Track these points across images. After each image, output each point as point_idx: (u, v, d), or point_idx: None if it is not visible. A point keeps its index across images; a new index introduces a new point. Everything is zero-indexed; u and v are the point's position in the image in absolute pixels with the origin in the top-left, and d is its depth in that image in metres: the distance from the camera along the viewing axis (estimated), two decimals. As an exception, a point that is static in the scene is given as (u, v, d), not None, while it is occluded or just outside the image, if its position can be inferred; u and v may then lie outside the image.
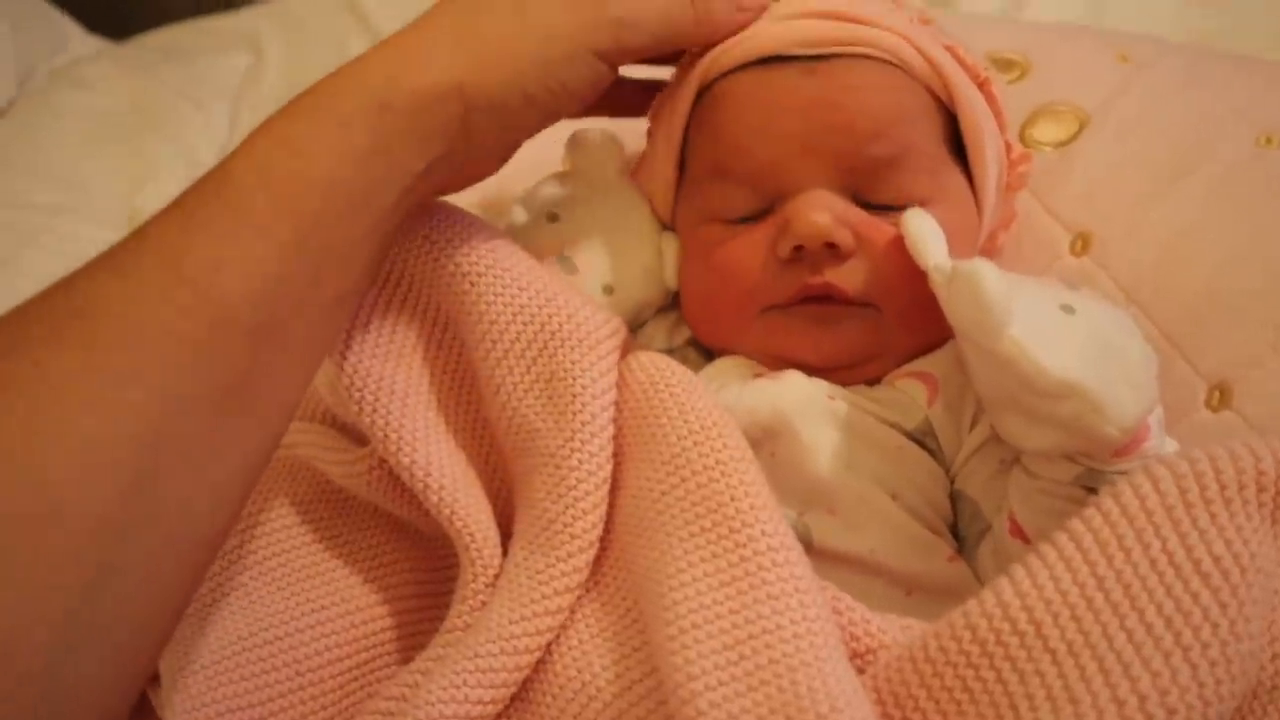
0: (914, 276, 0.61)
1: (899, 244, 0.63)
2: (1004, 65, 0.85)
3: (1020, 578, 0.46)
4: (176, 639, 0.63)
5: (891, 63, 0.66)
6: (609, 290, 0.75)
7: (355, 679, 0.63)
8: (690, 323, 0.74)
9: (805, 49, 0.66)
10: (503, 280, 0.63)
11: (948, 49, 0.69)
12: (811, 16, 0.67)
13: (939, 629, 0.47)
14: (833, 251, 0.63)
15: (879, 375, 0.67)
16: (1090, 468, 0.55)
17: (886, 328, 0.65)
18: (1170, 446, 0.58)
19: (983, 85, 0.70)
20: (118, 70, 1.72)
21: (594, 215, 0.77)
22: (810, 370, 0.66)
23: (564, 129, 0.73)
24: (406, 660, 0.64)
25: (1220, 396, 0.66)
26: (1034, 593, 0.45)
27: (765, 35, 0.67)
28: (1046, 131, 0.80)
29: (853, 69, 0.66)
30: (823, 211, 0.63)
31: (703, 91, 0.70)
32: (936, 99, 0.68)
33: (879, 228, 0.64)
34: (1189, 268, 0.69)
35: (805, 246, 0.63)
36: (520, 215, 0.78)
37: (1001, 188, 0.72)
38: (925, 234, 0.60)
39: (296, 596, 0.64)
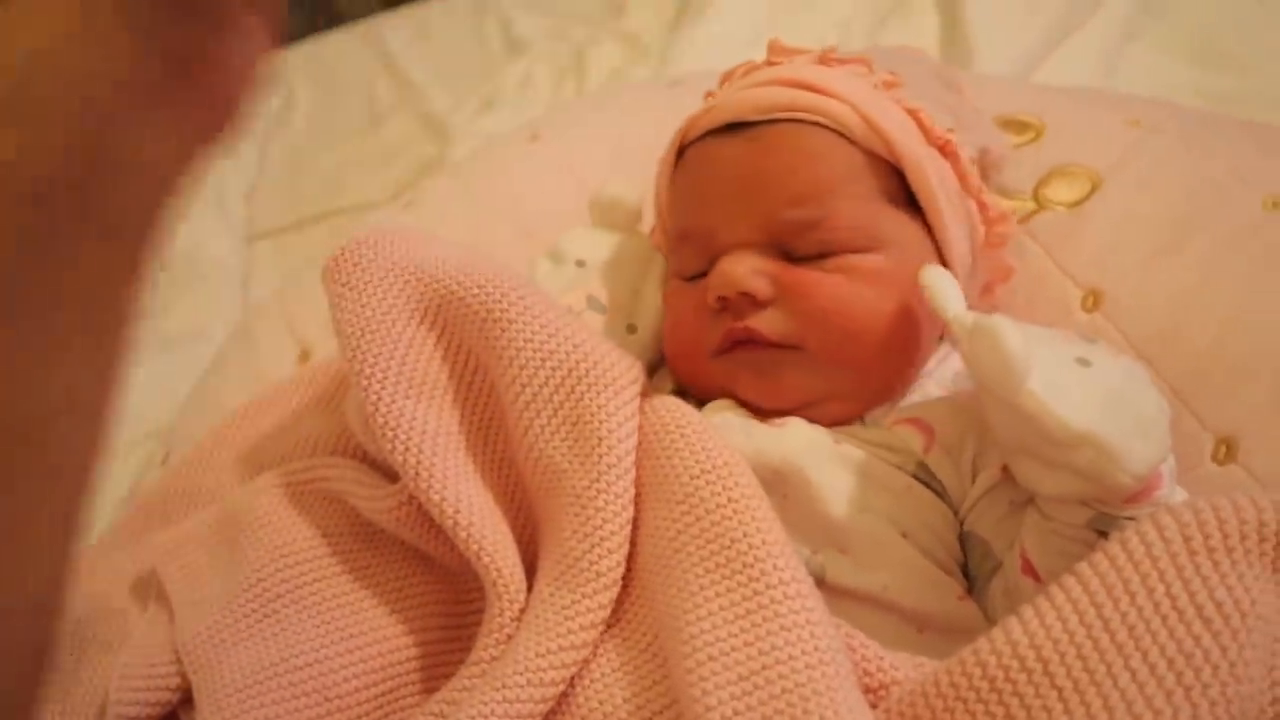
0: (834, 316, 0.67)
1: (820, 288, 0.68)
2: (1019, 127, 0.88)
3: (1029, 618, 0.48)
4: (210, 664, 0.65)
5: (830, 127, 0.71)
6: (632, 329, 0.80)
7: (380, 706, 0.65)
8: (670, 371, 0.80)
9: (755, 115, 0.72)
10: (532, 326, 0.65)
11: (910, 112, 0.73)
12: (773, 84, 0.73)
13: (950, 665, 0.49)
14: (751, 300, 0.69)
15: (851, 414, 0.70)
16: (1103, 512, 0.57)
17: (820, 366, 0.69)
18: (1180, 495, 0.59)
19: (943, 147, 0.74)
20: (152, 109, 1.77)
21: (617, 262, 0.83)
22: (766, 413, 0.70)
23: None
24: (430, 690, 0.66)
25: (1226, 450, 0.67)
26: (1042, 632, 0.47)
27: (724, 106, 0.74)
28: (1060, 191, 0.82)
29: (790, 135, 0.71)
30: (738, 265, 0.69)
31: (679, 156, 0.78)
32: (881, 158, 0.72)
33: (797, 274, 0.69)
34: (1197, 325, 0.71)
35: (727, 297, 0.69)
36: (547, 264, 0.82)
37: (978, 244, 0.75)
38: (943, 288, 0.63)
39: (326, 625, 0.66)
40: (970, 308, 0.74)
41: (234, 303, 1.39)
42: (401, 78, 1.79)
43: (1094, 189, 0.81)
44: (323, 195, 1.57)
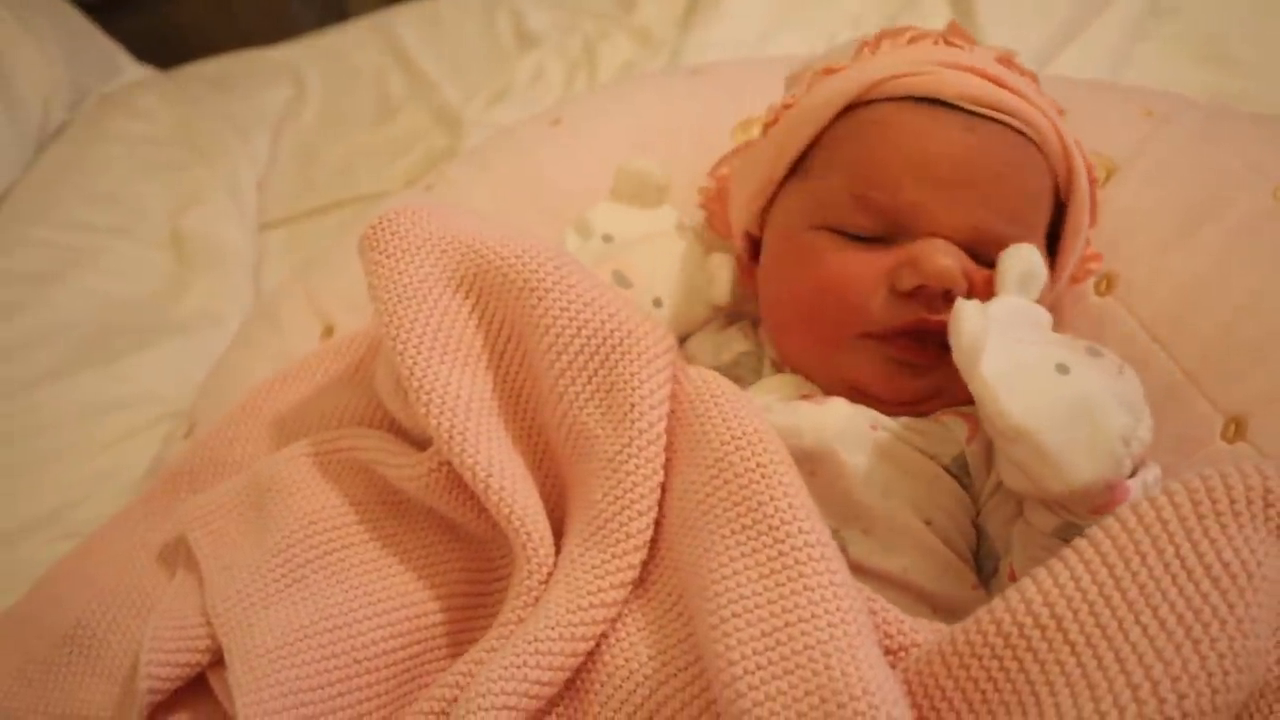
0: None
1: (989, 293, 0.66)
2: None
3: (1043, 577, 0.50)
4: (240, 627, 0.67)
5: (1035, 142, 0.71)
6: (658, 303, 0.81)
7: (408, 669, 0.67)
8: (771, 319, 0.78)
9: (968, 103, 0.70)
10: (568, 296, 0.67)
11: (1076, 144, 0.73)
12: (974, 74, 0.71)
13: (966, 625, 0.51)
14: (947, 295, 0.67)
15: (928, 412, 0.71)
16: (1068, 520, 0.59)
17: (952, 373, 0.67)
18: None
19: (1093, 183, 0.74)
20: (165, 98, 1.79)
21: (644, 238, 0.84)
22: (868, 402, 0.69)
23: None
24: (457, 654, 0.67)
25: (1236, 429, 0.69)
26: (1055, 590, 0.49)
27: (934, 78, 0.71)
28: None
29: (1007, 139, 0.70)
30: (950, 258, 0.67)
31: (852, 107, 0.73)
32: (1054, 186, 0.72)
33: (987, 279, 0.68)
34: (1208, 309, 0.73)
35: (927, 286, 0.67)
36: (575, 237, 0.84)
37: (1067, 279, 0.76)
38: (1019, 269, 0.65)
39: (355, 590, 0.68)
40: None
41: (247, 289, 1.41)
42: (413, 70, 1.81)
43: (1109, 176, 0.83)
44: (334, 185, 1.59)
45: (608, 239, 0.84)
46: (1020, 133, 0.70)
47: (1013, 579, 0.61)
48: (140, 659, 0.68)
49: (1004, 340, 0.59)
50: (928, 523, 0.65)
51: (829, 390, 0.71)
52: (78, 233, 1.46)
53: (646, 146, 0.97)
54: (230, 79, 1.90)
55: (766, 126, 0.79)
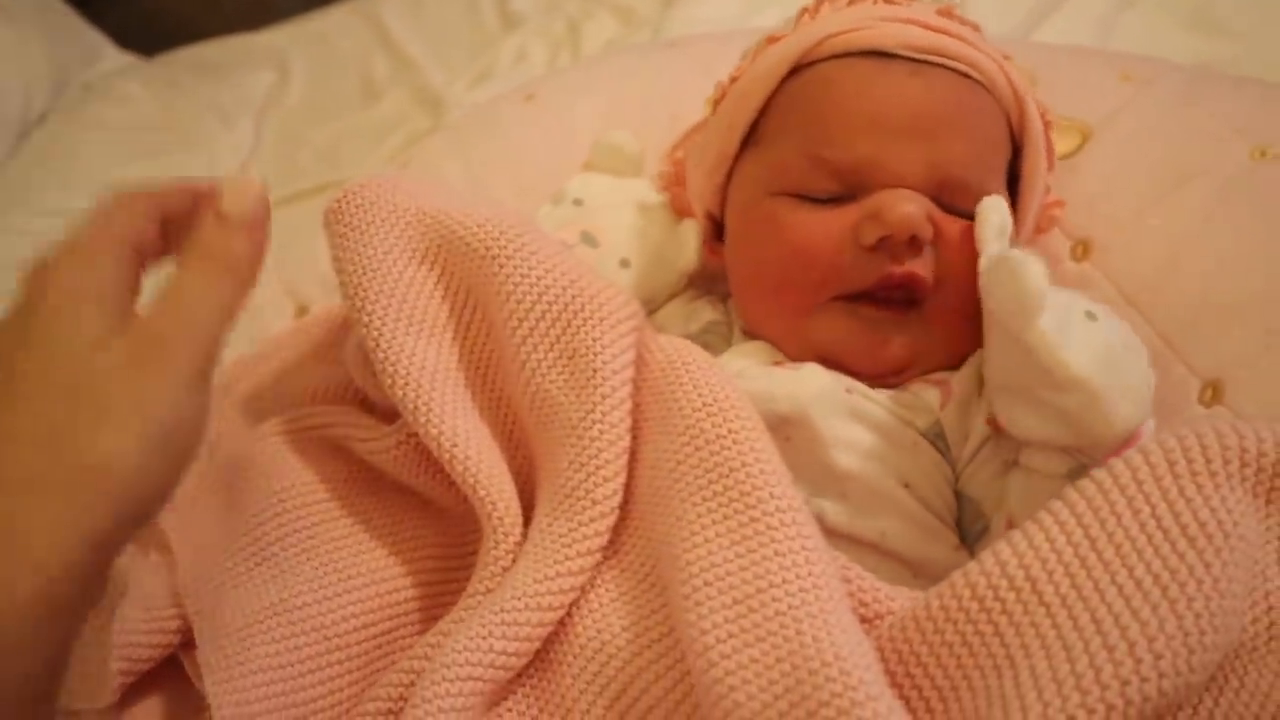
0: (967, 278, 0.64)
1: (964, 242, 0.66)
2: (1010, 82, 0.88)
3: (1018, 540, 0.49)
4: (210, 607, 0.66)
5: (984, 85, 0.70)
6: (626, 264, 0.80)
7: (380, 645, 0.66)
8: (740, 296, 0.76)
9: (909, 51, 0.69)
10: (529, 262, 0.66)
11: (1026, 87, 0.72)
12: (914, 23, 0.70)
13: (940, 589, 0.50)
14: (913, 244, 0.66)
15: (903, 382, 0.70)
16: (1083, 464, 0.58)
17: (928, 330, 0.68)
18: None
19: (1047, 126, 0.73)
20: (148, 85, 1.78)
21: (614, 200, 0.83)
22: (841, 369, 0.68)
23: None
24: (428, 629, 0.66)
25: (1213, 393, 0.68)
26: (1031, 553, 0.48)
27: (875, 31, 0.70)
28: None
29: (954, 83, 0.69)
30: (914, 204, 0.65)
31: (796, 71, 0.72)
32: (1009, 130, 0.71)
33: (954, 224, 0.67)
34: (1185, 273, 0.72)
35: (892, 237, 0.65)
36: (547, 205, 0.84)
37: (1032, 228, 0.75)
38: (998, 219, 0.63)
39: (325, 567, 0.67)
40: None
41: (230, 274, 1.40)
42: (397, 53, 1.80)
43: (1084, 141, 0.82)
44: (318, 169, 1.57)
45: (578, 203, 0.83)
46: (967, 76, 0.69)
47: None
48: (111, 640, 0.67)
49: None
50: (906, 486, 0.64)
51: (799, 360, 0.70)
52: (59, 220, 1.43)
53: (621, 120, 0.96)
54: (213, 65, 1.88)
55: (715, 103, 0.78)
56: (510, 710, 0.58)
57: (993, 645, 0.47)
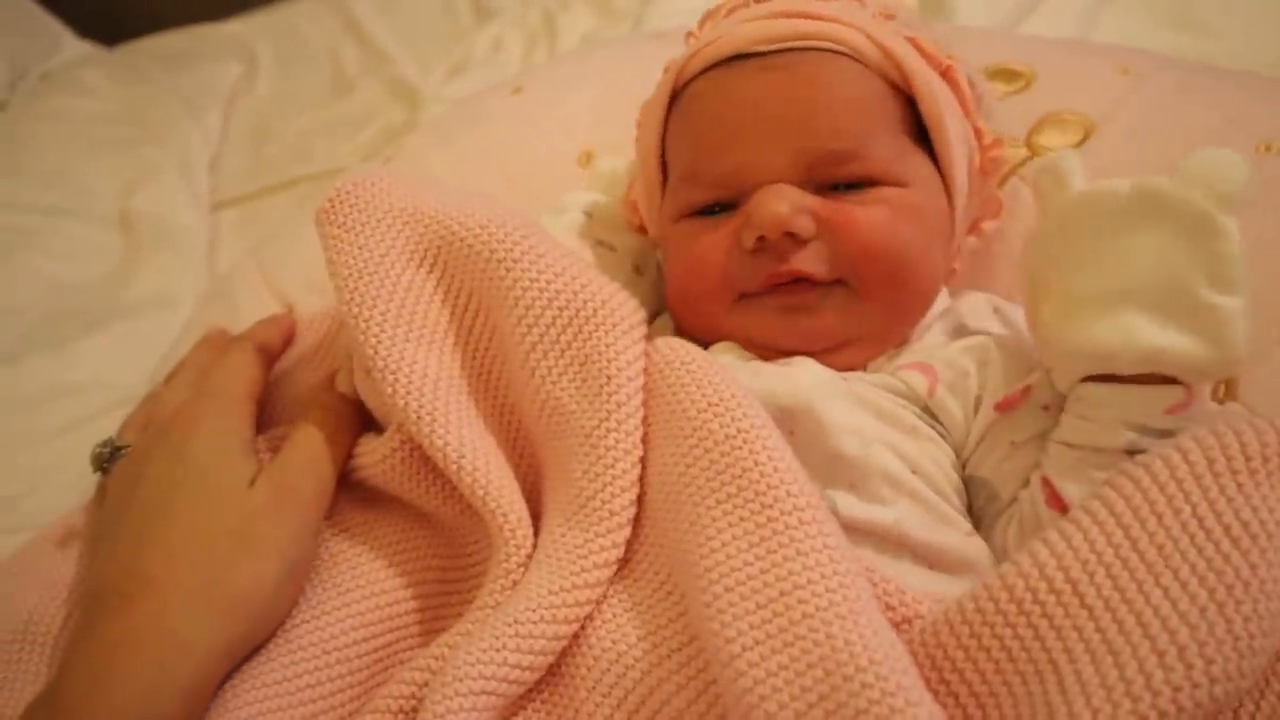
0: (880, 252, 0.65)
1: (862, 221, 0.66)
2: (1009, 76, 0.87)
3: (1055, 540, 0.48)
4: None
5: (847, 55, 0.69)
6: (639, 270, 0.79)
7: (379, 659, 0.64)
8: (675, 319, 0.77)
9: (764, 45, 0.69)
10: (537, 266, 0.64)
11: (910, 40, 0.72)
12: (772, 17, 0.71)
13: (975, 592, 0.49)
14: (794, 239, 0.66)
15: (863, 360, 0.69)
16: (1144, 428, 0.56)
17: (856, 305, 0.67)
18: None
19: (945, 72, 0.73)
20: (111, 75, 1.73)
21: (620, 213, 0.82)
22: (790, 354, 0.68)
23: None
24: (428, 642, 0.64)
25: (1225, 389, 0.68)
26: (1069, 554, 0.47)
27: (729, 38, 0.71)
28: (1053, 138, 0.82)
29: (809, 62, 0.69)
30: (781, 202, 0.65)
31: (675, 97, 0.74)
32: (894, 87, 0.70)
33: (840, 209, 0.66)
34: (1194, 269, 0.71)
35: (767, 236, 0.65)
36: (550, 216, 0.82)
37: (974, 171, 0.74)
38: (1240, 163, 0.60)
39: (323, 581, 0.65)
40: (969, 250, 0.75)
41: (199, 271, 1.36)
42: (369, 44, 1.76)
43: (1087, 135, 0.81)
44: (289, 162, 1.54)
45: (588, 214, 0.82)
46: (829, 51, 0.69)
47: (1056, 506, 0.58)
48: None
49: None
50: (914, 471, 0.63)
51: (761, 354, 0.69)
52: (21, 214, 1.40)
53: (610, 112, 0.94)
54: (179, 55, 1.84)
55: (636, 141, 0.80)
56: (524, 723, 0.56)
57: (1033, 649, 0.46)
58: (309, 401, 0.71)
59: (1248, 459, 0.47)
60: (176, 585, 0.58)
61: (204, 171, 1.57)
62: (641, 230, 0.82)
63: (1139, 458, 0.50)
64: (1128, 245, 0.57)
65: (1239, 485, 0.47)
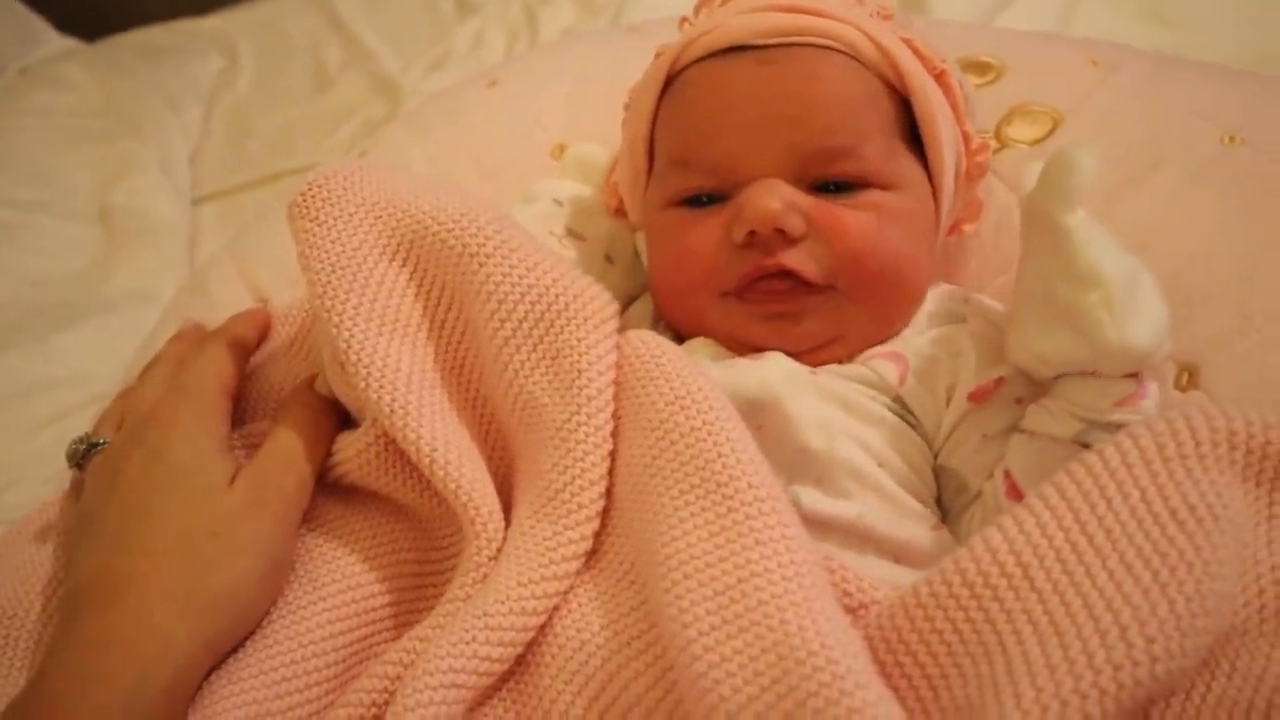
0: (867, 257, 0.66)
1: (851, 226, 0.66)
2: (980, 68, 0.88)
3: (1008, 526, 0.49)
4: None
5: (844, 52, 0.70)
6: (610, 259, 0.80)
7: (355, 652, 0.64)
8: (656, 305, 0.77)
9: (763, 38, 0.70)
10: (510, 260, 0.65)
11: (905, 41, 0.73)
12: (770, 10, 0.71)
13: (929, 576, 0.50)
14: (783, 236, 0.66)
15: (846, 355, 0.70)
16: (1092, 421, 0.58)
17: (842, 307, 0.68)
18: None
19: (939, 76, 0.73)
20: (92, 70, 1.73)
21: (592, 201, 0.83)
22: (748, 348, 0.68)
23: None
24: (404, 633, 0.65)
25: (1189, 377, 0.69)
26: (1021, 539, 0.48)
27: (726, 28, 0.71)
28: (1022, 130, 0.83)
29: (807, 58, 0.69)
30: (773, 198, 0.65)
31: (668, 84, 0.74)
32: (890, 88, 0.71)
33: (830, 211, 0.67)
34: (1159, 258, 0.71)
35: (757, 232, 0.66)
36: (520, 205, 0.82)
37: (961, 175, 0.75)
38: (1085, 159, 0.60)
39: (300, 577, 0.65)
40: (941, 244, 0.75)
41: (180, 265, 1.36)
42: (349, 38, 1.77)
43: (1055, 127, 0.82)
44: (270, 157, 1.54)
45: (558, 203, 0.83)
46: (827, 48, 0.70)
47: (1013, 494, 0.61)
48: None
49: None
50: (880, 465, 0.64)
51: (740, 351, 0.69)
52: (1, 209, 1.41)
53: (585, 105, 0.95)
54: (160, 49, 1.84)
55: (623, 125, 0.80)
56: (491, 712, 0.57)
57: (984, 632, 0.47)
58: (288, 400, 0.71)
59: (1197, 445, 0.49)
60: (159, 584, 0.59)
61: (185, 166, 1.58)
62: (619, 214, 0.82)
63: (1095, 448, 0.51)
64: (1023, 255, 0.61)
65: (1188, 470, 0.48)
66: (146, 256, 1.36)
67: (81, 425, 1.06)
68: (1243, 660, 0.47)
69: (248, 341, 0.77)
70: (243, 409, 0.77)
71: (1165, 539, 0.46)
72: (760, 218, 0.65)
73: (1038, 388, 0.64)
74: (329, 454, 0.69)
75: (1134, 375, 0.58)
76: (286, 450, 0.67)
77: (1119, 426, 0.56)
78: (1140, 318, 0.55)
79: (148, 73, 1.73)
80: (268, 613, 0.63)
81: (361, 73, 1.68)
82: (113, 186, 1.46)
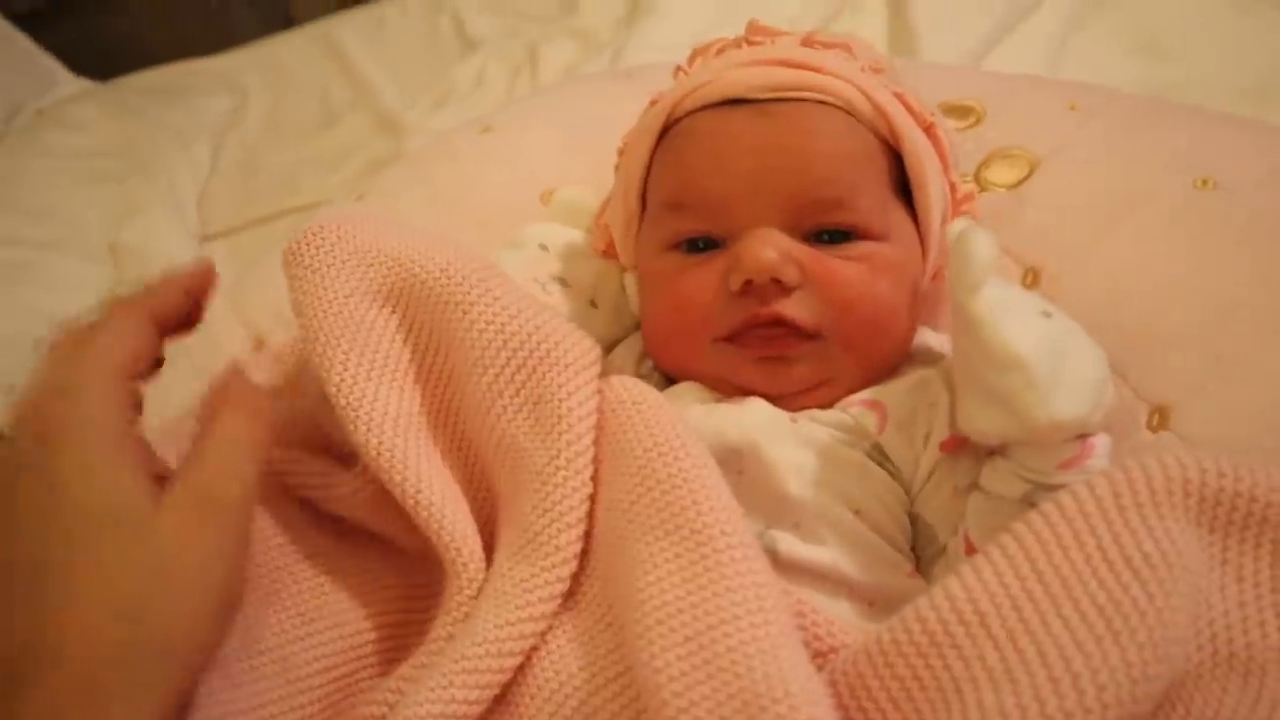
0: (858, 306, 0.68)
1: (843, 277, 0.68)
2: (961, 112, 0.90)
3: (967, 574, 0.50)
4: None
5: (840, 108, 0.72)
6: (594, 304, 0.81)
7: (343, 688, 0.66)
8: (649, 349, 0.79)
9: (761, 93, 0.72)
10: (493, 309, 0.66)
11: (896, 95, 0.75)
12: (768, 64, 0.73)
13: (891, 624, 0.51)
14: (779, 286, 0.68)
15: (831, 400, 0.71)
16: (1038, 484, 0.59)
17: (832, 355, 0.70)
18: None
19: (928, 129, 0.75)
20: (103, 110, 1.76)
21: (579, 246, 0.85)
22: (766, 398, 0.70)
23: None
24: (391, 670, 0.66)
25: (1159, 418, 0.70)
26: (979, 587, 0.49)
27: (726, 80, 0.73)
28: (1000, 174, 0.85)
29: (804, 113, 0.72)
30: (770, 249, 0.67)
31: (665, 131, 0.76)
32: (883, 142, 0.73)
33: (824, 262, 0.69)
34: (1132, 300, 0.74)
35: (754, 281, 0.67)
36: (508, 251, 0.84)
37: (946, 223, 0.76)
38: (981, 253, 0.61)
39: (287, 610, 0.67)
40: (923, 289, 0.77)
41: (188, 302, 1.39)
42: (355, 77, 1.79)
43: (1032, 171, 0.84)
44: (276, 195, 1.57)
45: (543, 248, 0.85)
46: (824, 103, 0.72)
47: (970, 552, 0.62)
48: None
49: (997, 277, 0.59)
50: (857, 512, 0.65)
51: (728, 394, 0.71)
52: (11, 248, 1.43)
53: (577, 151, 0.96)
54: (170, 89, 1.87)
55: (616, 169, 0.82)
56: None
57: (942, 679, 0.48)
58: (217, 389, 0.58)
59: (1152, 492, 0.50)
60: (96, 651, 0.48)
61: (193, 204, 1.60)
62: (608, 255, 0.84)
63: (1053, 497, 0.52)
64: (952, 334, 0.62)
65: (1142, 518, 0.49)
66: (153, 294, 1.38)
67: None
68: (1196, 704, 0.47)
69: (167, 311, 0.59)
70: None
71: (1119, 587, 0.47)
72: (758, 267, 0.67)
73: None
74: (271, 446, 0.58)
75: (1080, 436, 0.59)
76: (224, 451, 0.55)
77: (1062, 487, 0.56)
78: (1067, 389, 0.55)
79: (157, 112, 1.76)
80: (255, 642, 0.64)
81: (366, 110, 1.70)
82: (121, 225, 1.49)
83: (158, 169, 1.63)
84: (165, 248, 1.47)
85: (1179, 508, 0.50)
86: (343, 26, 1.91)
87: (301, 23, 2.00)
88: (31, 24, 1.90)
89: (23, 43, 1.87)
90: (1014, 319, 0.56)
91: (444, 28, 1.85)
